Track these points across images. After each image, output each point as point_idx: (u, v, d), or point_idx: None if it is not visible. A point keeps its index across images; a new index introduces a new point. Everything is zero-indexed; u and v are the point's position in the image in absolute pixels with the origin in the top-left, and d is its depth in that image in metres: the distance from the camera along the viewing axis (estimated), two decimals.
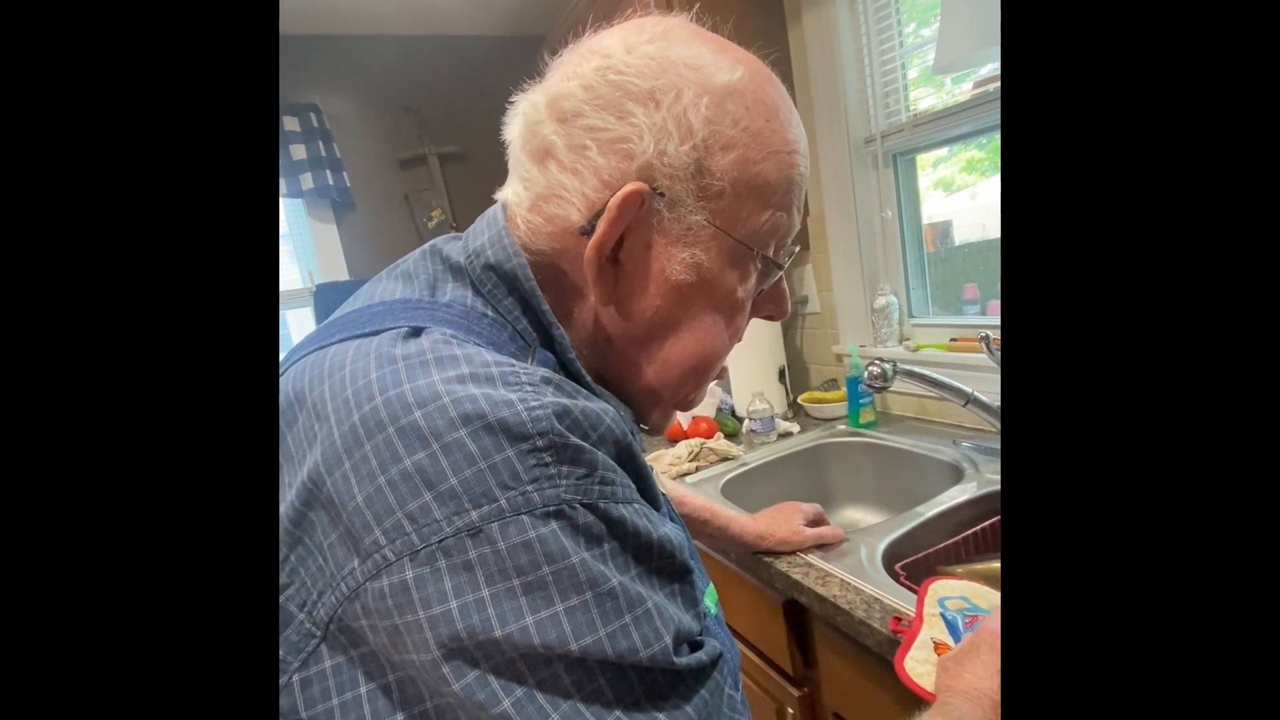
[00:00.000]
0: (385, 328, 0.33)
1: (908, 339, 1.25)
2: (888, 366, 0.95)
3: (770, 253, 0.39)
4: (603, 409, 0.31)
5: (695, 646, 0.31)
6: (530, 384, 0.29)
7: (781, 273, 0.41)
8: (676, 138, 0.34)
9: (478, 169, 2.14)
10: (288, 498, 0.29)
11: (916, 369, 0.96)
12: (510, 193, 0.39)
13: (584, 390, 0.33)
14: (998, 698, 0.44)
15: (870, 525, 0.84)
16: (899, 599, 0.64)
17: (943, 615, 0.57)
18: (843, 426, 1.22)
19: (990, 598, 0.59)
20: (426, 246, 0.41)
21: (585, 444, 0.29)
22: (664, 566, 0.31)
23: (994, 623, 0.50)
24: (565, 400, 0.29)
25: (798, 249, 0.42)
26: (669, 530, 0.33)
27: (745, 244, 0.37)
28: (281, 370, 0.36)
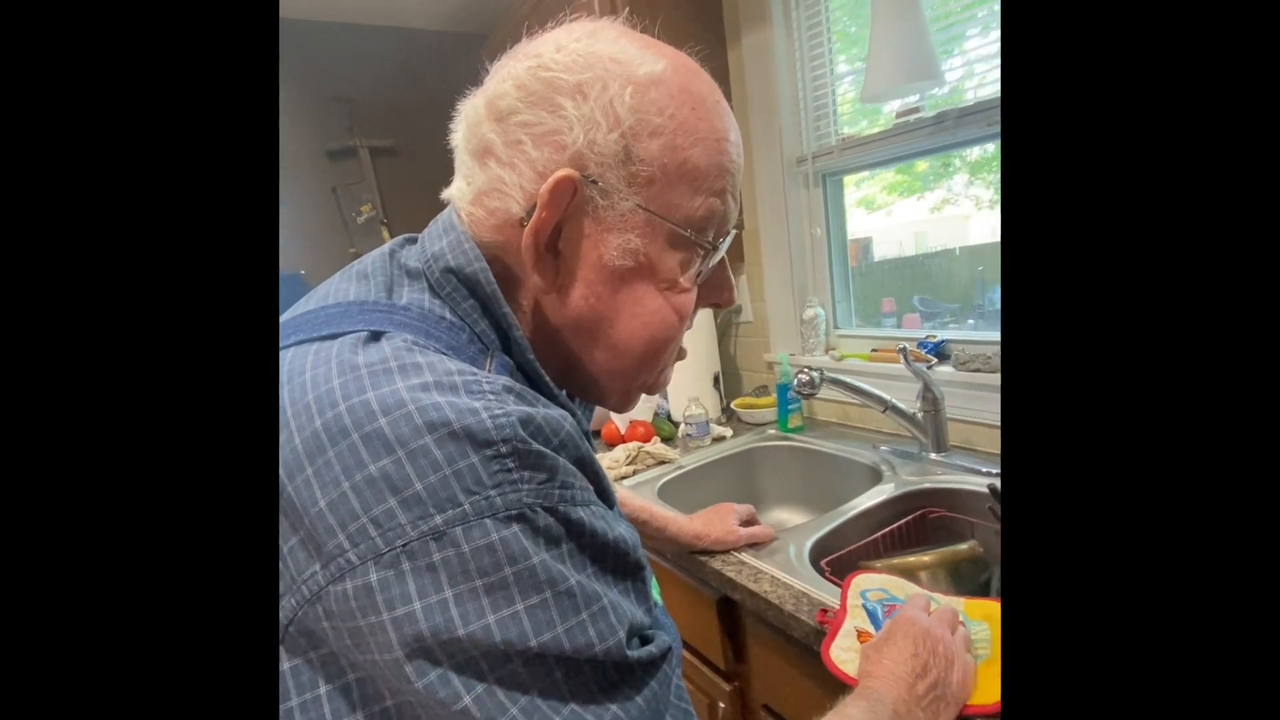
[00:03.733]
0: (343, 331, 0.33)
1: (833, 349, 1.32)
2: (815, 374, 1.01)
3: (709, 238, 0.40)
4: (562, 415, 0.32)
5: (645, 640, 0.33)
6: (493, 392, 0.30)
7: (720, 256, 0.42)
8: (605, 126, 0.35)
9: (412, 164, 2.08)
10: None
11: (841, 377, 1.02)
12: (455, 189, 0.40)
13: (542, 398, 0.34)
14: (913, 679, 0.48)
15: (798, 525, 0.89)
16: (825, 593, 0.68)
17: (864, 606, 0.61)
18: (773, 431, 1.28)
19: (906, 589, 0.64)
20: (386, 248, 0.41)
21: (547, 450, 0.30)
22: (619, 565, 0.33)
23: (909, 610, 0.55)
24: (527, 408, 0.30)
25: (735, 232, 0.43)
26: (623, 530, 0.34)
27: (680, 229, 0.38)
28: None
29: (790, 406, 1.26)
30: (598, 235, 0.37)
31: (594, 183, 0.36)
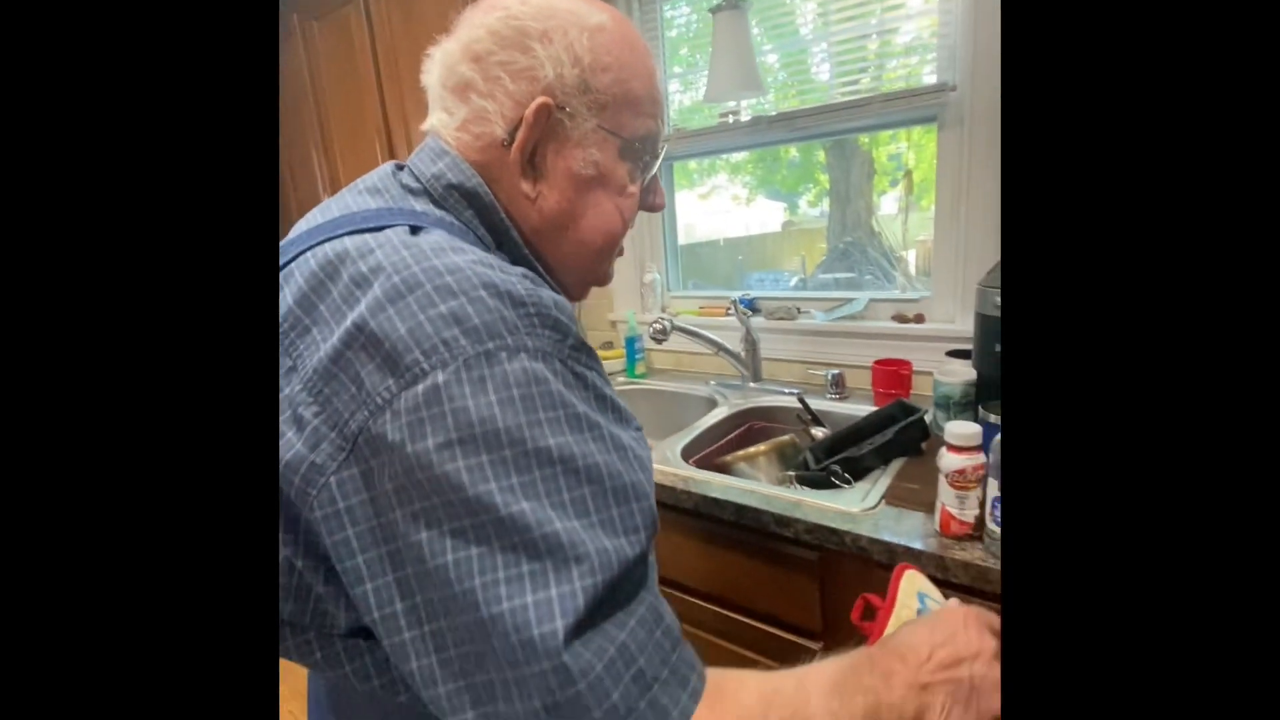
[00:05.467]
0: (387, 224, 0.41)
1: (667, 307, 1.57)
2: (667, 323, 1.23)
3: (649, 151, 0.50)
4: (564, 299, 0.40)
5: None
6: (517, 275, 0.38)
7: (657, 168, 0.52)
8: (568, 63, 0.44)
9: None
10: (325, 346, 0.35)
11: (686, 326, 1.27)
12: (436, 120, 0.49)
13: (547, 284, 0.44)
14: (921, 660, 0.41)
15: (662, 440, 1.11)
16: (696, 474, 0.91)
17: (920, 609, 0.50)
18: (622, 378, 1.49)
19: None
20: (386, 169, 0.49)
21: (562, 317, 0.38)
22: (617, 419, 0.40)
23: (962, 609, 0.47)
24: (542, 290, 0.38)
25: (665, 147, 0.55)
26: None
27: (627, 142, 0.48)
28: (294, 255, 0.42)
29: (636, 357, 1.48)
30: (567, 150, 0.46)
31: (562, 108, 0.45)
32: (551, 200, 0.48)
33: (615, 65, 0.47)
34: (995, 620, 0.46)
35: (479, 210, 0.47)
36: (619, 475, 0.35)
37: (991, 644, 0.43)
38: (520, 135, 0.45)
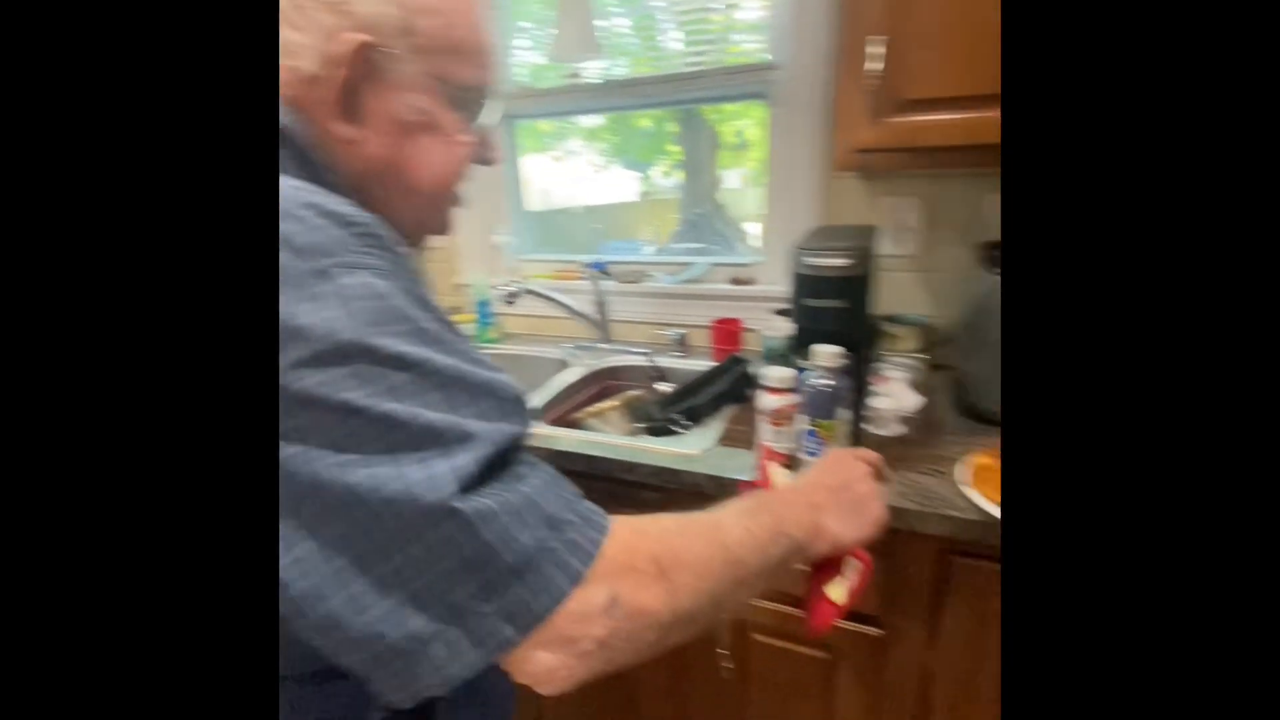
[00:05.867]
0: None
1: (518, 271, 1.56)
2: (518, 288, 1.23)
3: (478, 101, 0.49)
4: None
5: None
6: (341, 200, 0.37)
7: (487, 118, 0.51)
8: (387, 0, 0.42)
9: None
10: None
11: (539, 290, 1.27)
12: None
13: None
14: (812, 487, 0.52)
15: None
16: (544, 430, 0.94)
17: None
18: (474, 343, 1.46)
19: None
20: None
21: (392, 243, 0.37)
22: (463, 341, 0.39)
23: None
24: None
25: (500, 102, 0.54)
26: None
27: (456, 91, 0.46)
28: None
29: (487, 321, 1.46)
30: (388, 94, 0.44)
31: (381, 49, 0.43)
32: (373, 145, 0.46)
33: (442, 9, 0.46)
34: (866, 453, 0.58)
35: (292, 151, 0.44)
36: (478, 373, 0.36)
37: (866, 468, 0.55)
38: (334, 74, 0.43)
